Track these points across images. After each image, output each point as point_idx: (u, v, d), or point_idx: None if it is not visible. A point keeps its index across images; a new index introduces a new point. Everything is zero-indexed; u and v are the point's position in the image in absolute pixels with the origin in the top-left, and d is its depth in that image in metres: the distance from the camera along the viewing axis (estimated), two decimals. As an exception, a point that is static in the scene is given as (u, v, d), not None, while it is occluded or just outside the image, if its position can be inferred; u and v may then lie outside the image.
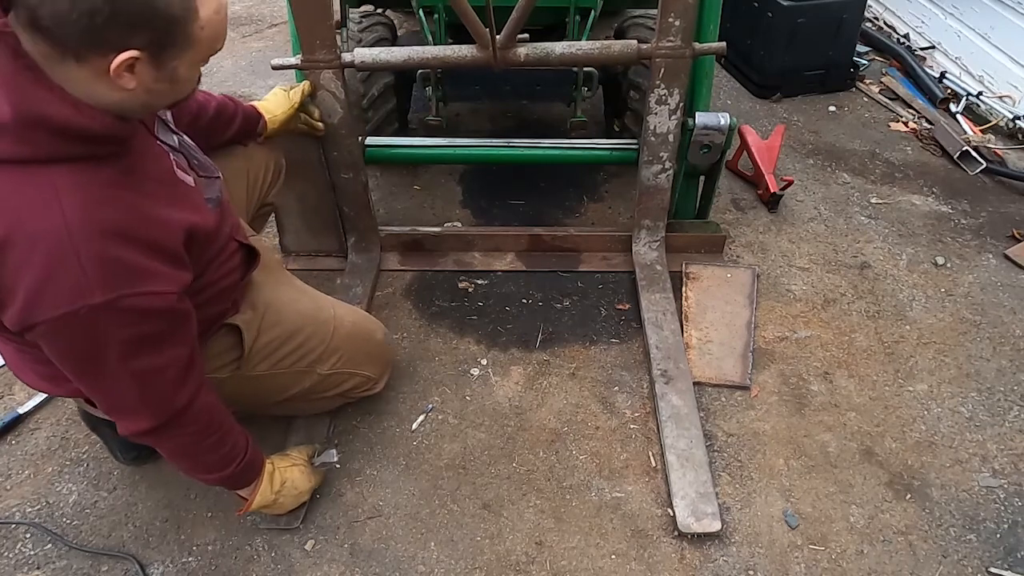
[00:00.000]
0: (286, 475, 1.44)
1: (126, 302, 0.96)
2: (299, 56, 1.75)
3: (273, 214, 2.06)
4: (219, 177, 1.29)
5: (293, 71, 1.80)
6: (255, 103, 1.64)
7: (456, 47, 1.79)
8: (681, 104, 1.86)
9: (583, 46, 1.81)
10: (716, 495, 1.55)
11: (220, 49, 1.02)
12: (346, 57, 1.77)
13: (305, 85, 1.76)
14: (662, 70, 1.79)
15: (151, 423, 1.13)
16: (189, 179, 1.18)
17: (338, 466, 1.58)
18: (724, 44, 1.79)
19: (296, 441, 1.63)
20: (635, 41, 1.80)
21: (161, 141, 1.15)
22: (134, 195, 0.99)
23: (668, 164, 1.98)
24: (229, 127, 1.52)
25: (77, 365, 1.05)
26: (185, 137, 1.26)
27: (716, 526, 1.49)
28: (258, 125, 1.60)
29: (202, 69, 1.06)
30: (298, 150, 1.87)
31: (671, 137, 1.92)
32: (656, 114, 1.88)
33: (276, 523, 1.51)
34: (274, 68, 1.78)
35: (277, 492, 1.42)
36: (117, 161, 0.99)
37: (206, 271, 1.20)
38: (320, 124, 1.82)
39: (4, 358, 1.29)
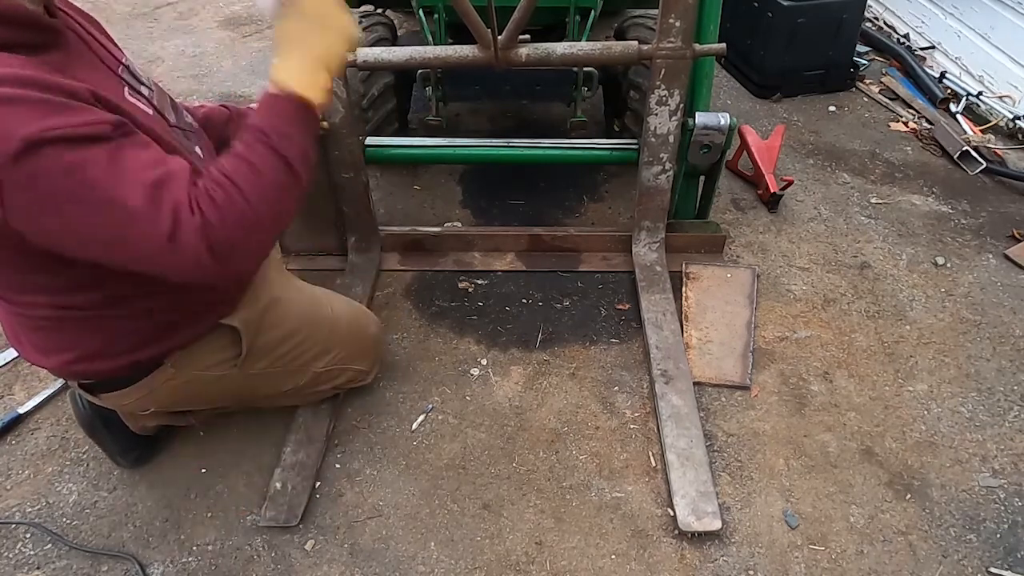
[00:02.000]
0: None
1: (56, 132, 0.89)
2: None
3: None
4: (199, 140, 1.28)
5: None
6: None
7: (458, 47, 1.79)
8: (681, 105, 1.86)
9: (584, 47, 1.81)
10: (716, 494, 1.55)
11: None
12: (349, 56, 1.77)
13: None
14: (663, 71, 1.79)
15: (189, 229, 0.95)
16: (147, 109, 1.13)
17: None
18: (724, 46, 1.79)
19: (296, 440, 1.63)
20: (636, 42, 1.80)
21: (114, 72, 1.11)
22: (55, 66, 0.96)
23: (668, 165, 1.98)
24: (221, 132, 1.50)
25: (65, 215, 0.94)
26: (166, 92, 1.27)
27: (716, 524, 1.49)
28: None
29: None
30: None
31: (671, 138, 1.92)
32: (656, 115, 1.88)
33: (276, 521, 1.51)
34: None
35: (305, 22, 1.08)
36: (50, 56, 0.97)
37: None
38: (325, 123, 1.82)
39: (3, 326, 1.29)
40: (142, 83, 1.21)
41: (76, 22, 1.12)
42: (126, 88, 1.13)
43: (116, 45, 1.22)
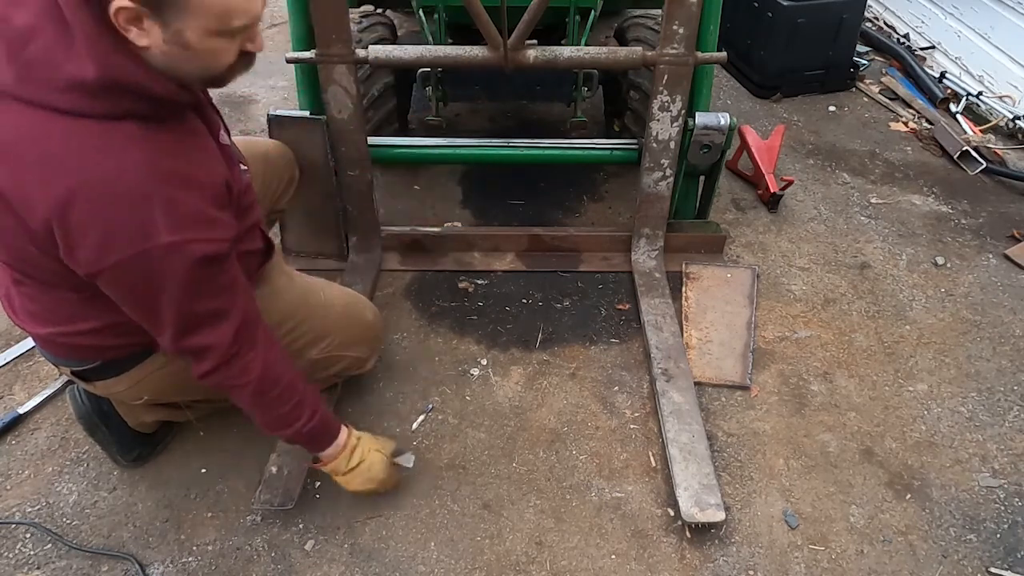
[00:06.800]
0: (367, 456, 1.44)
1: (190, 247, 1.02)
2: (314, 50, 1.75)
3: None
4: (246, 167, 1.32)
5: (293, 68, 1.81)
6: None
7: (468, 47, 1.79)
8: (683, 111, 1.86)
9: (591, 51, 1.81)
10: (719, 487, 1.55)
11: (242, 26, 1.00)
12: (360, 52, 1.77)
13: None
14: (665, 76, 1.80)
15: (211, 363, 1.16)
16: (245, 170, 1.25)
17: (408, 469, 1.52)
18: (724, 55, 1.81)
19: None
20: (640, 48, 1.81)
21: (217, 138, 1.20)
22: (191, 150, 1.07)
23: (669, 171, 1.98)
24: None
25: (139, 305, 1.09)
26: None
27: (720, 516, 1.49)
28: None
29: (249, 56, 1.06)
30: (307, 154, 1.88)
31: (672, 144, 1.93)
32: (659, 120, 1.88)
33: (271, 504, 1.51)
34: (288, 62, 1.79)
35: (351, 468, 1.42)
36: (178, 122, 1.07)
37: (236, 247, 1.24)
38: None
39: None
40: (230, 137, 1.27)
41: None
42: (230, 155, 1.20)
43: (213, 104, 1.24)
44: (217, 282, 1.11)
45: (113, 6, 0.91)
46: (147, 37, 0.95)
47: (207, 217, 1.05)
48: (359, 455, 1.42)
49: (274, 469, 1.55)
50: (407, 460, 1.52)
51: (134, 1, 0.91)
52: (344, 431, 1.40)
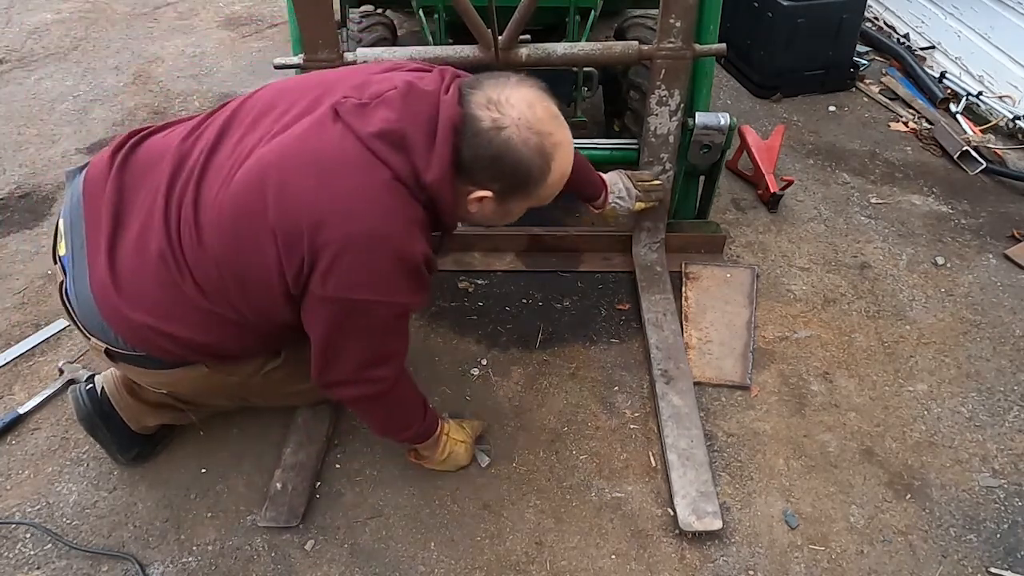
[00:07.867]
0: (454, 448, 1.58)
1: (408, 305, 1.24)
2: (301, 55, 1.75)
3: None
4: None
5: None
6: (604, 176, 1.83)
7: (458, 47, 1.79)
8: (681, 105, 1.86)
9: (584, 47, 1.81)
10: (716, 494, 1.55)
11: (549, 200, 1.27)
12: (348, 57, 1.77)
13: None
14: (663, 71, 1.79)
15: (377, 389, 1.32)
16: None
17: (482, 466, 1.65)
18: (724, 46, 1.79)
19: (296, 440, 1.63)
20: (636, 42, 1.81)
21: None
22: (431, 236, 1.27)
23: (668, 165, 1.98)
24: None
25: (339, 334, 1.23)
26: None
27: (717, 524, 1.49)
28: (597, 199, 1.84)
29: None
30: None
31: (671, 138, 1.92)
32: (656, 115, 1.88)
33: (276, 522, 1.51)
34: (276, 67, 1.79)
35: (443, 460, 1.58)
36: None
37: None
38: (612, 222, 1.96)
39: (129, 288, 1.24)
40: None
41: None
42: None
43: None
44: (403, 327, 1.31)
45: (474, 194, 1.18)
46: (479, 207, 1.21)
47: (427, 285, 1.25)
48: (448, 448, 1.57)
49: (279, 486, 1.55)
50: (482, 459, 1.65)
51: (494, 192, 1.17)
52: (438, 427, 1.53)
